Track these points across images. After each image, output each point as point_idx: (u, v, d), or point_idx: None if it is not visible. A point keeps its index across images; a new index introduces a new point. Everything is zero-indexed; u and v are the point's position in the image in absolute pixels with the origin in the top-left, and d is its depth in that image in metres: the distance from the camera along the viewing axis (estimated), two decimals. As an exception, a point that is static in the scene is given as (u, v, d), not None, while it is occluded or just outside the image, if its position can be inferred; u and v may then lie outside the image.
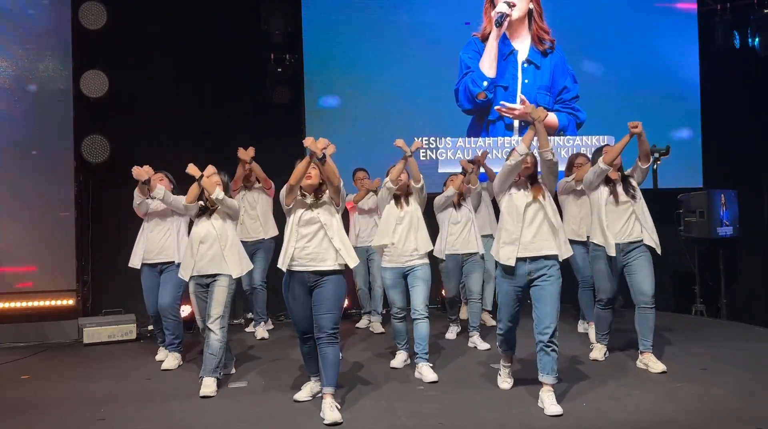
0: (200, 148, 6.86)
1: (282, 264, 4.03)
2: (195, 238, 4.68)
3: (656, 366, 4.71)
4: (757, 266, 7.85)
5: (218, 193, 4.58)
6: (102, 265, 6.86)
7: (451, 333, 5.96)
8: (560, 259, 4.09)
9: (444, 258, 5.64)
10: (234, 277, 4.66)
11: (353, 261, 4.06)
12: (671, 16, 7.91)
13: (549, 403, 3.94)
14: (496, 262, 4.23)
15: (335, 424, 3.81)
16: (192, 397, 4.43)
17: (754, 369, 4.73)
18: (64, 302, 6.59)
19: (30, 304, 6.49)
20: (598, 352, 5.09)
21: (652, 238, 4.75)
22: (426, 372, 4.68)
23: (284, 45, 7.28)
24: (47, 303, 6.53)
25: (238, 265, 4.71)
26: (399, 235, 4.84)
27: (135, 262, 5.35)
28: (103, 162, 6.62)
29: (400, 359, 5.01)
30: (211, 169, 4.67)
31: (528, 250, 4.04)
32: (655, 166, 6.17)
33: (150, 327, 6.22)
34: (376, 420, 3.92)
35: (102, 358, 5.73)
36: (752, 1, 7.50)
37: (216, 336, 4.55)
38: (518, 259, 4.05)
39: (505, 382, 4.40)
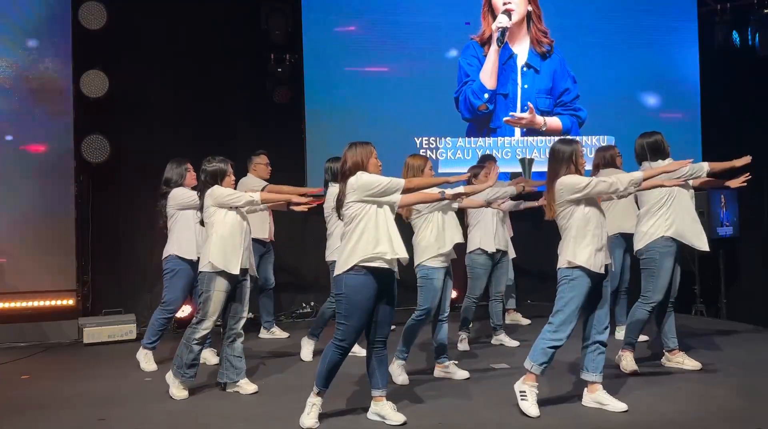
0: (200, 148, 6.85)
1: (393, 253, 3.64)
2: (237, 227, 4.44)
3: (691, 363, 4.73)
4: (757, 266, 7.85)
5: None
6: (102, 265, 6.86)
7: (463, 344, 5.60)
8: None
9: (477, 256, 5.43)
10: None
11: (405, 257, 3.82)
12: (671, 16, 7.91)
13: (612, 399, 3.96)
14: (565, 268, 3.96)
15: (403, 424, 3.80)
16: (192, 397, 4.43)
17: (754, 369, 4.74)
18: (64, 302, 6.58)
19: (30, 304, 6.48)
20: (631, 361, 4.71)
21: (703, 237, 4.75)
22: (459, 371, 4.72)
23: (284, 45, 7.28)
24: (47, 303, 6.52)
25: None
26: (449, 229, 4.60)
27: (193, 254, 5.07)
28: (103, 162, 6.61)
29: (403, 372, 4.67)
30: None
31: (608, 257, 4.02)
32: (655, 166, 6.22)
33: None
34: (376, 420, 3.92)
35: (102, 358, 5.73)
36: (752, 1, 7.50)
37: (242, 337, 4.57)
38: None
39: (533, 406, 3.90)
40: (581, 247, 3.91)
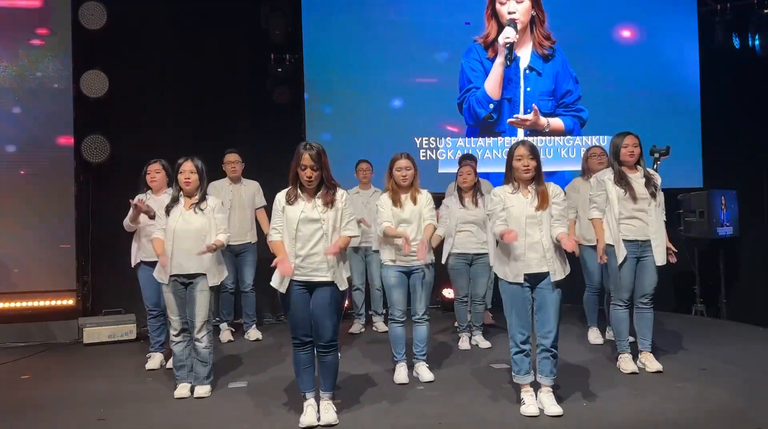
0: (200, 148, 6.83)
1: (280, 285, 3.81)
2: (170, 230, 4.37)
3: (652, 365, 4.70)
4: (757, 266, 7.85)
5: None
6: (102, 265, 6.86)
7: (464, 342, 5.59)
8: (556, 279, 3.95)
9: (451, 258, 5.44)
10: (210, 284, 4.42)
11: (343, 284, 3.85)
12: (671, 16, 7.92)
13: (549, 403, 3.93)
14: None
15: (329, 425, 3.81)
16: (192, 397, 4.43)
17: (754, 369, 4.73)
18: (64, 302, 6.59)
19: (30, 304, 6.49)
20: (628, 362, 4.73)
21: (659, 250, 4.66)
22: (423, 372, 4.67)
23: (284, 45, 7.27)
24: (47, 303, 6.52)
25: (216, 271, 4.47)
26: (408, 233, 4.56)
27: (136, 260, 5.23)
28: (103, 162, 6.61)
29: (403, 373, 4.65)
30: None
31: (530, 266, 3.93)
32: (655, 167, 6.19)
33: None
34: (376, 420, 3.93)
35: (102, 358, 5.73)
36: (752, 1, 7.50)
37: (202, 343, 4.43)
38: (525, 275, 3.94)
39: (531, 405, 3.94)
40: (496, 257, 4.14)
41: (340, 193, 3.90)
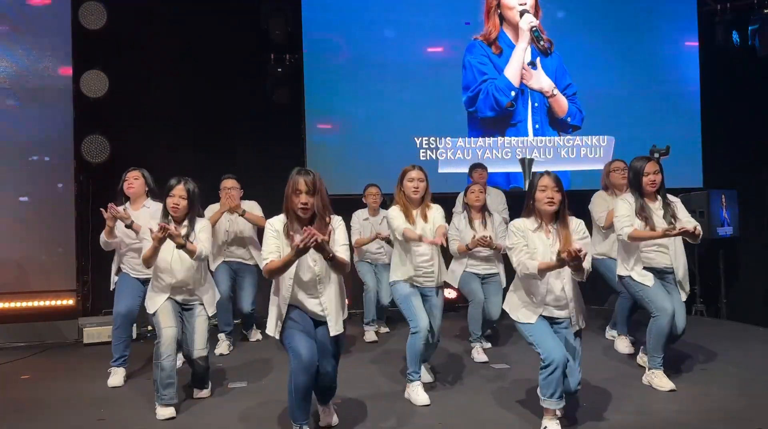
0: (200, 148, 6.88)
1: (275, 331, 3.57)
2: (164, 264, 4.21)
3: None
4: (757, 266, 7.85)
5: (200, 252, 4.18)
6: (102, 265, 6.81)
7: (479, 354, 5.21)
8: (577, 328, 3.72)
9: (459, 280, 5.21)
10: (210, 314, 4.37)
11: (337, 330, 3.58)
12: (671, 16, 7.92)
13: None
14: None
15: (329, 426, 3.81)
16: (192, 398, 4.43)
17: (754, 369, 4.74)
18: (64, 302, 6.59)
19: (30, 304, 6.49)
20: (664, 379, 4.38)
21: (681, 284, 4.52)
22: (423, 372, 4.63)
23: (284, 45, 7.28)
24: (47, 303, 6.53)
25: (212, 299, 4.42)
26: (419, 253, 4.34)
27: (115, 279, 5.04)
28: (103, 162, 6.62)
29: (423, 394, 4.22)
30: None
31: (548, 310, 3.66)
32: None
33: (150, 327, 6.22)
34: (376, 420, 3.93)
35: (102, 358, 5.70)
36: (752, 1, 7.50)
37: (202, 364, 4.33)
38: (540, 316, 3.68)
39: None
40: (513, 298, 3.82)
41: (335, 220, 3.56)
